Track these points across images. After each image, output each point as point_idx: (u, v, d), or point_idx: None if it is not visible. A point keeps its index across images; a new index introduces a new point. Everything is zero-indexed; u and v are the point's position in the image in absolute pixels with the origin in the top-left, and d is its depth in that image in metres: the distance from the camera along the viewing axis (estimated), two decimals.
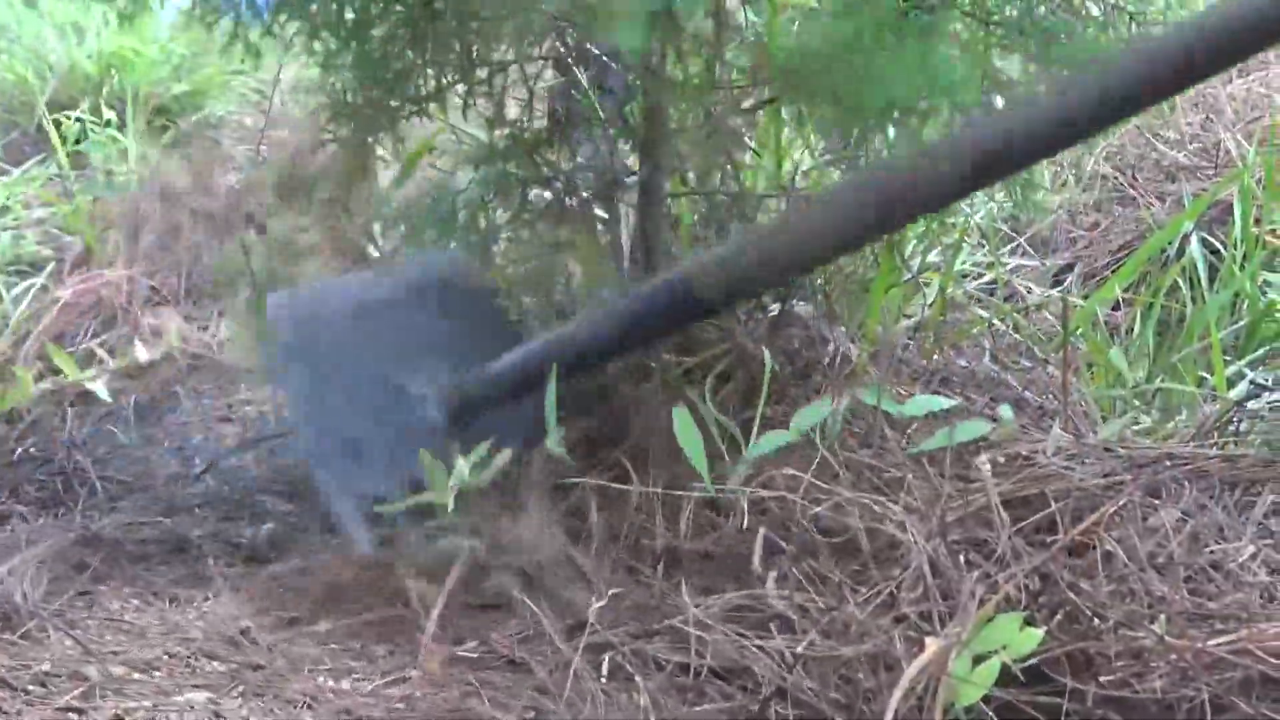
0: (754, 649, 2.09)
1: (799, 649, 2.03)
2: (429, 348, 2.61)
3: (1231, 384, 2.83)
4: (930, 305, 3.00)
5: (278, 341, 2.58)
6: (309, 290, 2.79)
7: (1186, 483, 2.26)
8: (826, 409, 2.46)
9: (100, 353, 3.28)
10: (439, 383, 2.59)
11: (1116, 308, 3.35)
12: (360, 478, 2.49)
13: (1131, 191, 3.90)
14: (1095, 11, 2.66)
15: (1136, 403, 2.83)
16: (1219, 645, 1.87)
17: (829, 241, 2.34)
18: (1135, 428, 2.62)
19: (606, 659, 2.18)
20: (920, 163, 2.20)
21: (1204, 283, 3.25)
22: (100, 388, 3.07)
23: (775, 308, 2.78)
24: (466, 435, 2.51)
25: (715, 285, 2.39)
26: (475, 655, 2.27)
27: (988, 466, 2.25)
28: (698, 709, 2.06)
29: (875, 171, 2.45)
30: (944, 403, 2.54)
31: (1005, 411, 2.54)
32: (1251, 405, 2.66)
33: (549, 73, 2.81)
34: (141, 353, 3.26)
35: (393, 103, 2.66)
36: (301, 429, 2.56)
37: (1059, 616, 1.95)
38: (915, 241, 3.16)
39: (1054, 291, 3.46)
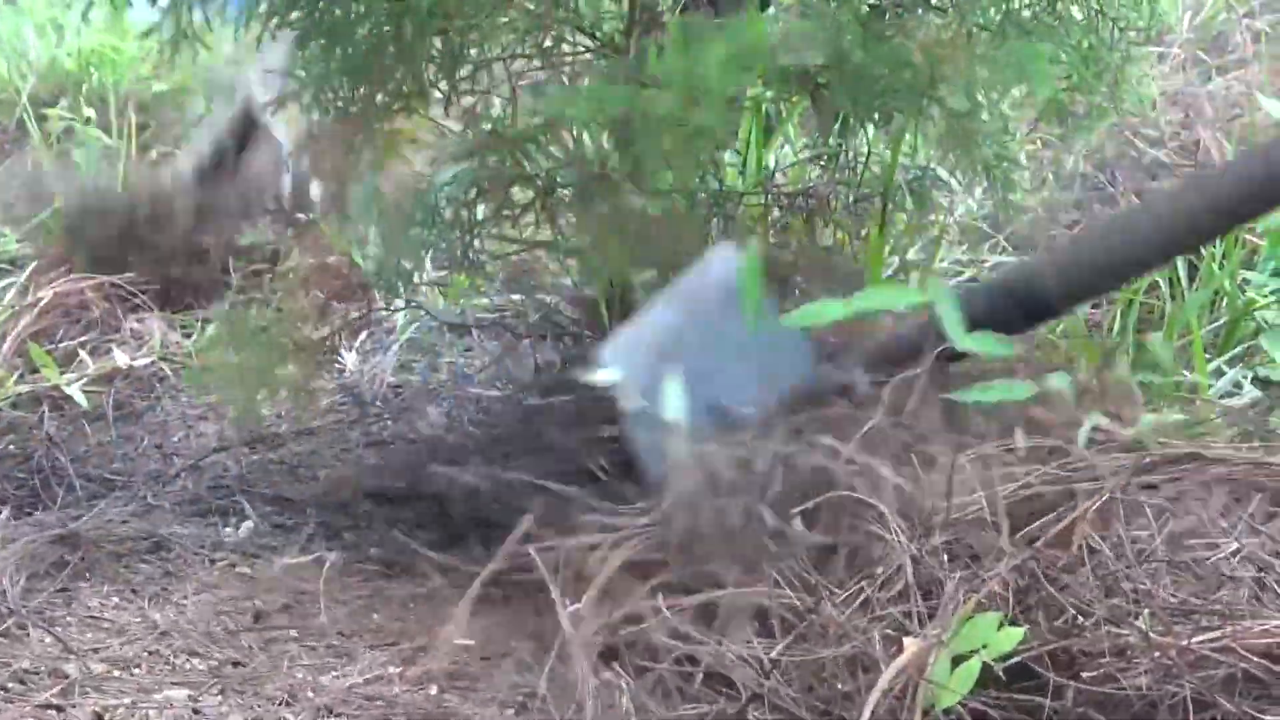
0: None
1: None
2: (740, 358, 2.55)
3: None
4: None
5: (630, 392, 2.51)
6: (627, 333, 2.70)
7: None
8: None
9: (83, 354, 3.27)
10: (757, 399, 2.53)
11: (1096, 305, 3.35)
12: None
13: (1111, 190, 3.91)
14: (1078, 15, 2.67)
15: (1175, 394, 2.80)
16: (1203, 643, 1.86)
17: (1169, 243, 2.34)
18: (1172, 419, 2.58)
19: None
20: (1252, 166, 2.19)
21: (1183, 280, 3.26)
22: (77, 392, 3.06)
23: None
24: None
25: (1059, 286, 2.38)
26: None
27: (1021, 440, 2.22)
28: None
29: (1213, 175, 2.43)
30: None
31: (1059, 380, 2.47)
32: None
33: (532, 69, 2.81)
34: (121, 357, 3.25)
35: (376, 100, 2.65)
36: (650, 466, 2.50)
37: (1042, 614, 1.95)
38: (892, 241, 3.16)
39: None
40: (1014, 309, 2.38)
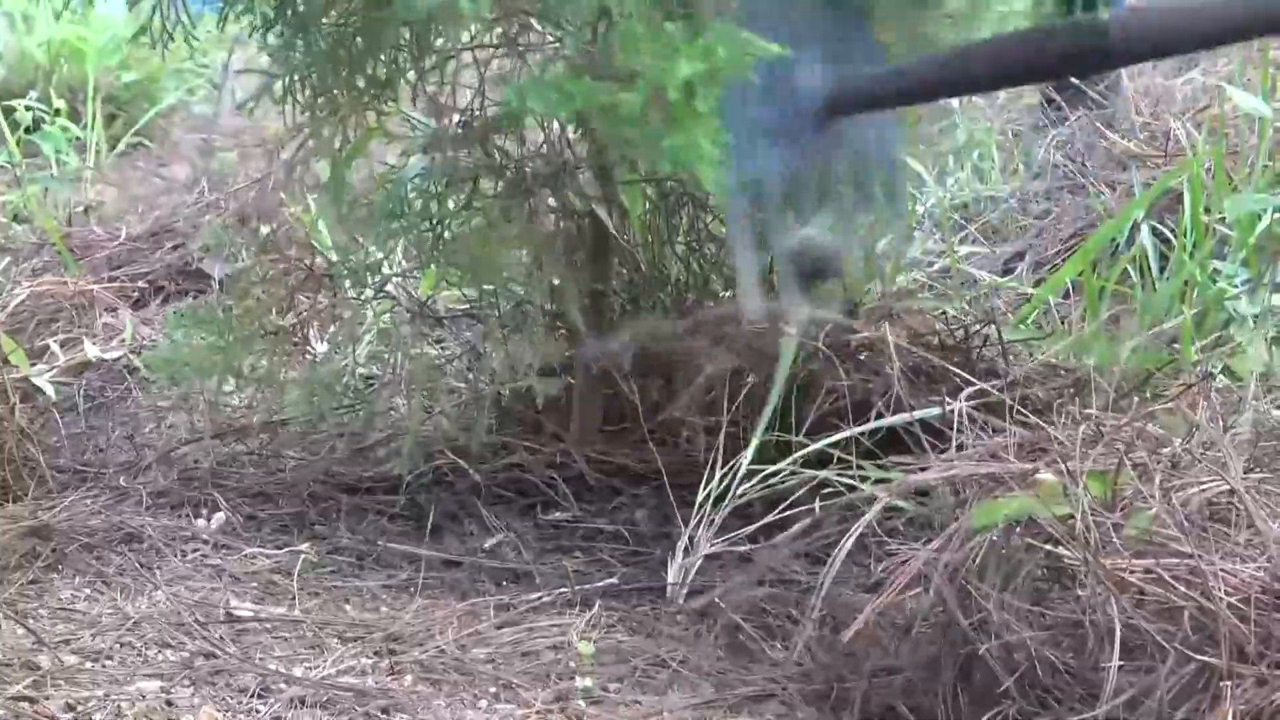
0: None
1: None
2: (820, 36, 2.54)
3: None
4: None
5: None
6: None
7: None
8: None
9: (53, 346, 3.26)
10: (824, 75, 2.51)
11: (1067, 295, 3.36)
12: (751, 159, 2.37)
13: (1082, 179, 3.92)
14: None
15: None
16: None
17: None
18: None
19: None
20: None
21: (1154, 270, 3.27)
22: (46, 384, 3.05)
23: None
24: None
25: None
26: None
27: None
28: None
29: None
30: None
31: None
32: None
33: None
34: (92, 349, 3.24)
35: (344, 91, 2.65)
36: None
37: None
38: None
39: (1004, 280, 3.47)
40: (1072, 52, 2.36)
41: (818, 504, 2.36)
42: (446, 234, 2.73)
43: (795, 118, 2.35)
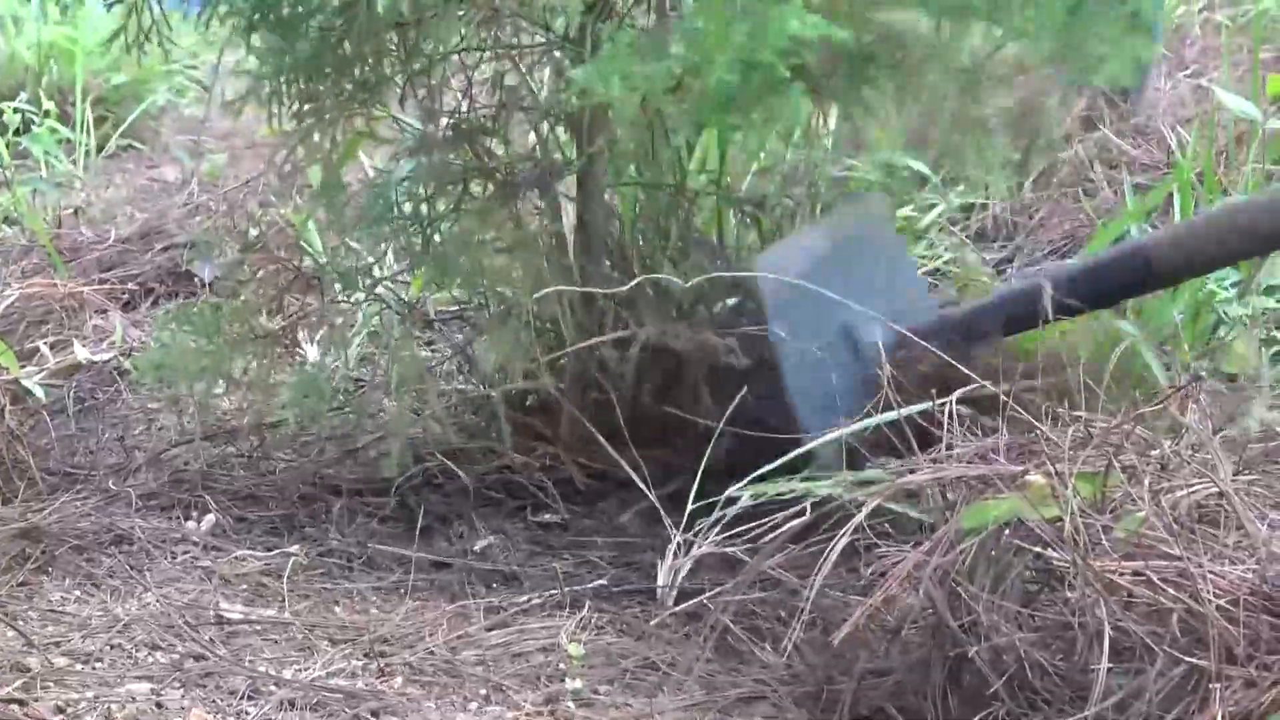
0: None
1: None
2: (870, 295, 2.61)
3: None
4: None
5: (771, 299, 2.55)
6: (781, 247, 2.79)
7: None
8: None
9: (43, 349, 3.25)
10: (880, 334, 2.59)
11: None
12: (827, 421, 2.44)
13: (1091, 182, 3.93)
14: None
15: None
16: None
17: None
18: None
19: None
20: None
21: None
22: (35, 386, 3.04)
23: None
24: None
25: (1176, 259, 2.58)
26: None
27: None
28: None
29: None
30: None
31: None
32: None
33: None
34: (82, 351, 3.24)
35: (332, 95, 2.65)
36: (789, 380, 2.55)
37: None
38: None
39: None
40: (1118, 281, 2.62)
41: (807, 505, 2.36)
42: (436, 236, 2.73)
43: (863, 379, 2.45)
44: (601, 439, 2.65)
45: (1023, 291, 2.66)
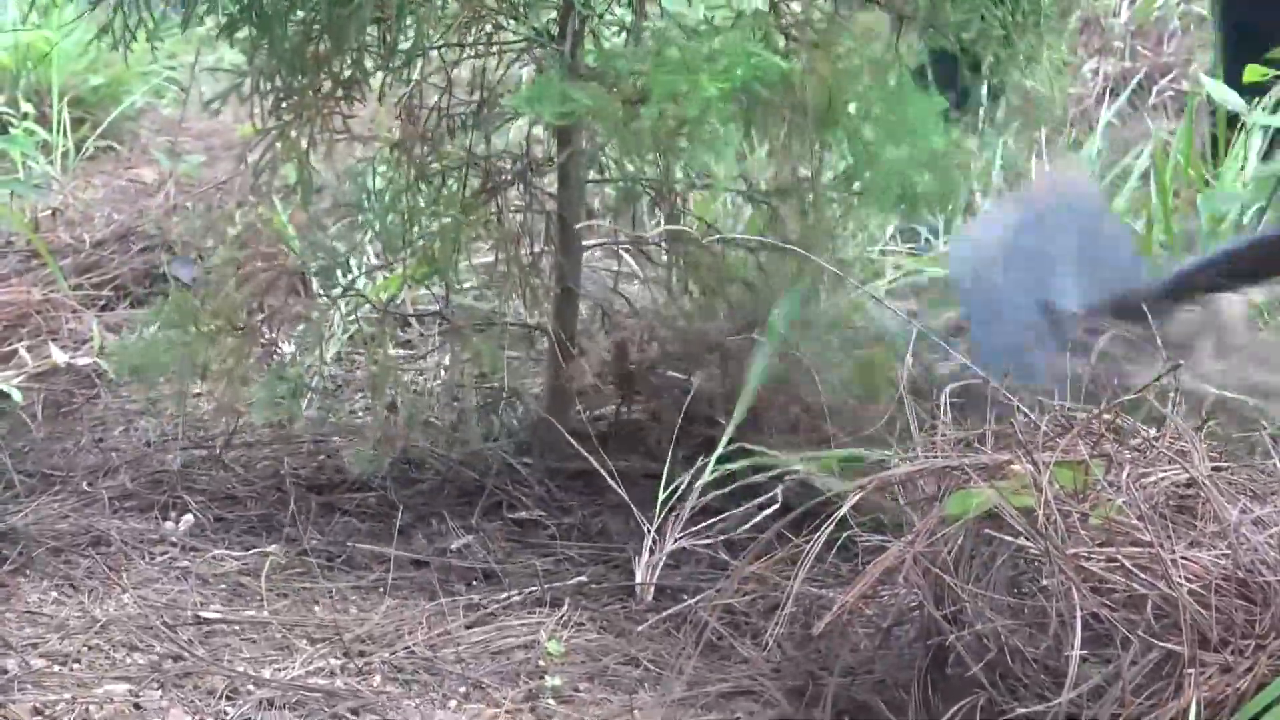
0: None
1: None
2: (1072, 264, 2.61)
3: None
4: None
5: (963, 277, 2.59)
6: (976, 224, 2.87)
7: None
8: None
9: (21, 351, 3.25)
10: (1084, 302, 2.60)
11: None
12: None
13: None
14: None
15: None
16: None
17: None
18: None
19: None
20: None
21: None
22: (12, 389, 3.04)
23: None
24: None
25: None
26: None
27: None
28: None
29: None
30: None
31: None
32: None
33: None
34: (59, 354, 3.23)
35: (311, 91, 2.65)
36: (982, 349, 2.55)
37: None
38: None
39: None
40: None
41: (779, 490, 2.37)
42: (415, 229, 2.73)
43: (1053, 333, 2.46)
44: (569, 437, 2.65)
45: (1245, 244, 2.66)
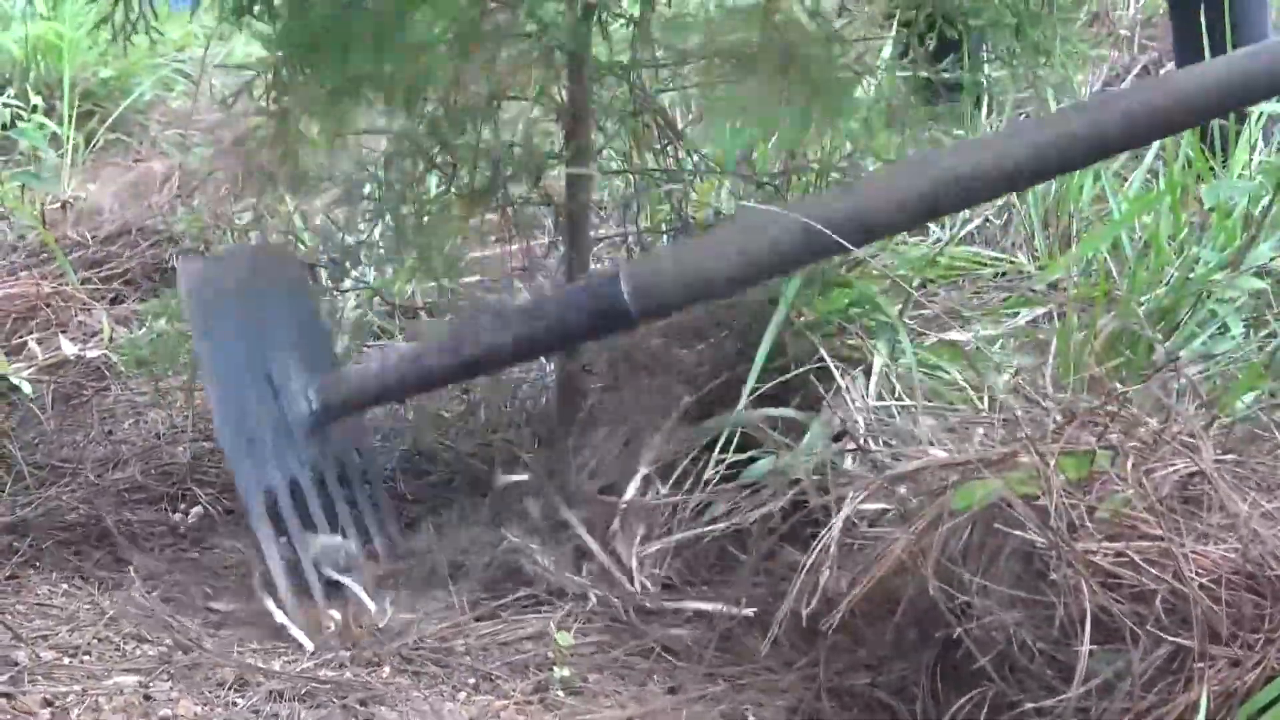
0: None
1: None
2: (298, 338, 2.55)
3: None
4: None
5: (191, 313, 2.47)
6: (217, 260, 2.73)
7: None
8: None
9: (31, 344, 3.25)
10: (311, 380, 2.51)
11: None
12: (253, 466, 2.41)
13: None
14: None
15: None
16: None
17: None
18: None
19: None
20: None
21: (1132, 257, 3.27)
22: (23, 381, 3.04)
23: None
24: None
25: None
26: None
27: None
28: None
29: None
30: None
31: None
32: None
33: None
34: (69, 347, 3.24)
35: (328, 81, 2.65)
36: (215, 408, 2.47)
37: None
38: None
39: None
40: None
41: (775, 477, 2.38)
42: (425, 218, 2.73)
43: (287, 432, 2.41)
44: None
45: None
